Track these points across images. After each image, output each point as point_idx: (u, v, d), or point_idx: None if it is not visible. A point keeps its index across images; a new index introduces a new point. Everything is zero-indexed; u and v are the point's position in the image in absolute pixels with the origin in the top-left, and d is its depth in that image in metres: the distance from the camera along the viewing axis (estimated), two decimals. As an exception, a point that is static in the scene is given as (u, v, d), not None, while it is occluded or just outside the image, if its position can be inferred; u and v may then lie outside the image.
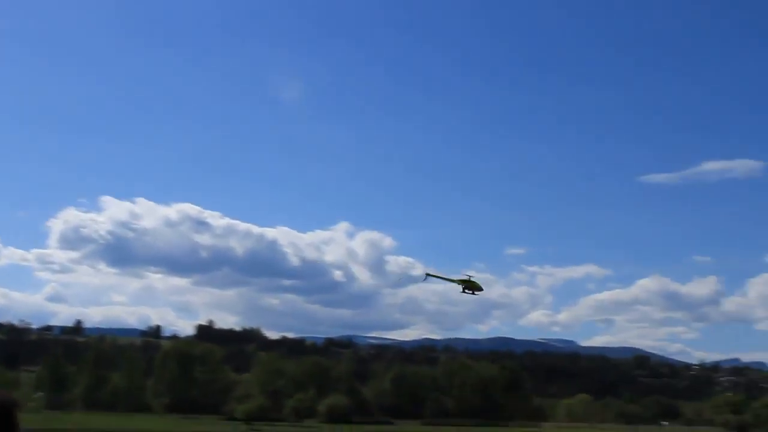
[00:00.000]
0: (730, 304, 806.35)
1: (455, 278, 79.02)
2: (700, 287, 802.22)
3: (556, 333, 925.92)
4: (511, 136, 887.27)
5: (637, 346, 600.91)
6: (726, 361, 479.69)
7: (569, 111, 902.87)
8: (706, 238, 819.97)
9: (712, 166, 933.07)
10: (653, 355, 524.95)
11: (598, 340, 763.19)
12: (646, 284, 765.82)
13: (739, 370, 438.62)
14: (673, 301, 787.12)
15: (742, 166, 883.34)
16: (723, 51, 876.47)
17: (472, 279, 78.42)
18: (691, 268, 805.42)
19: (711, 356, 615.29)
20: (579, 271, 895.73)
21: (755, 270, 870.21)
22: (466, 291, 78.30)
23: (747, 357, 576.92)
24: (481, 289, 78.81)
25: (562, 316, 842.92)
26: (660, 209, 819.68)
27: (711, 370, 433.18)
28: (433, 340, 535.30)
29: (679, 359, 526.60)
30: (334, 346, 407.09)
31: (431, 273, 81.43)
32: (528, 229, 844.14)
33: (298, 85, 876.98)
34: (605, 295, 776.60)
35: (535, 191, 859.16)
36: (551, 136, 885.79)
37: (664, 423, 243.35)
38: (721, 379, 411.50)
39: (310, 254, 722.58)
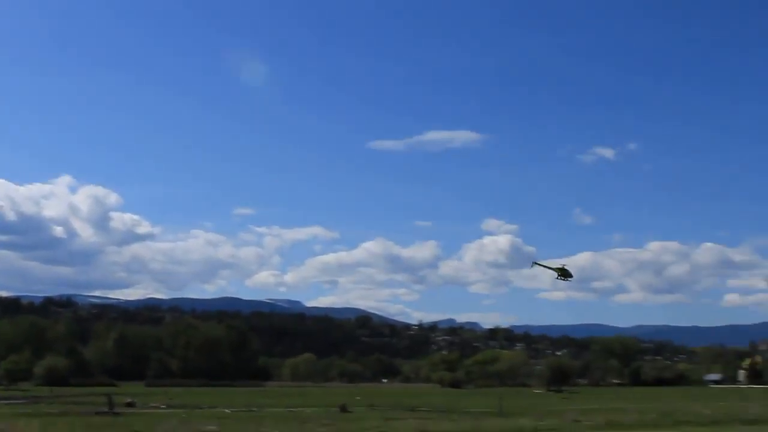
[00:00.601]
0: (447, 267, 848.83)
1: (554, 266, 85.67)
2: (421, 251, 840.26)
3: (282, 293, 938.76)
4: (238, 99, 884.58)
5: (360, 307, 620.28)
6: (442, 321, 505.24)
7: (306, 75, 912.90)
8: (428, 204, 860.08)
9: (434, 135, 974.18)
10: (375, 315, 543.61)
11: (324, 301, 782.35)
12: (371, 247, 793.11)
13: (453, 330, 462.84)
14: (395, 263, 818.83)
15: (462, 137, 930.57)
16: (448, 31, 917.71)
17: (566, 267, 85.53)
18: (412, 232, 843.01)
19: (429, 317, 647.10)
20: (306, 232, 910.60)
21: (471, 236, 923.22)
22: (560, 278, 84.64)
23: (461, 318, 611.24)
24: (571, 276, 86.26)
25: (289, 277, 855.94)
26: (386, 175, 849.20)
27: (428, 330, 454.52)
28: (158, 299, 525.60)
29: (399, 320, 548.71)
30: (53, 306, 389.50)
31: (538, 262, 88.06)
32: (257, 190, 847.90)
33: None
34: (331, 257, 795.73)
35: (258, 153, 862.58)
36: (289, 99, 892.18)
37: (384, 380, 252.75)
38: (437, 338, 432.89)
39: (28, 208, 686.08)
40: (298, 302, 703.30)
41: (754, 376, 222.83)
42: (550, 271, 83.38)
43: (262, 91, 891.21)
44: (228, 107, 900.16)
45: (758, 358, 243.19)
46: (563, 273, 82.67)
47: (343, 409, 78.27)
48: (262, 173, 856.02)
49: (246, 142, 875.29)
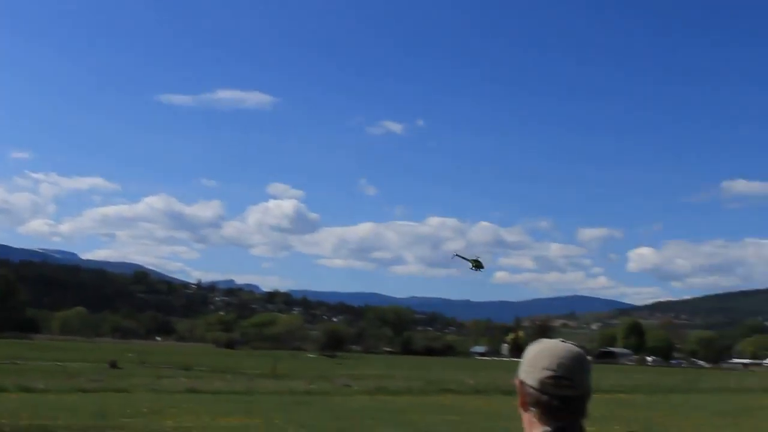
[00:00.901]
0: (230, 228, 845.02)
1: (470, 258, 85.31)
2: (204, 209, 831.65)
3: (56, 243, 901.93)
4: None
5: (137, 262, 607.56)
6: (222, 281, 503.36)
7: (99, 18, 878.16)
8: (215, 163, 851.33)
9: (226, 94, 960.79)
10: (153, 272, 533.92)
11: (100, 254, 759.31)
12: (153, 202, 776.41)
13: (232, 291, 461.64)
14: (177, 220, 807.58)
15: (254, 98, 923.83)
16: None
17: (479, 259, 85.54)
18: (197, 190, 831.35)
19: (209, 276, 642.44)
20: (86, 182, 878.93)
21: (256, 198, 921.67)
22: (473, 269, 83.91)
23: (241, 279, 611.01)
24: (483, 267, 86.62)
25: (65, 227, 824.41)
26: (175, 130, 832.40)
27: (207, 289, 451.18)
28: None
29: (178, 278, 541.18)
30: None
31: (458, 254, 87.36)
32: (36, 135, 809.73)
33: None
34: (111, 209, 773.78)
35: (46, 98, 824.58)
36: (78, 42, 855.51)
37: (158, 338, 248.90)
38: (215, 298, 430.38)
39: None
40: (73, 254, 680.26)
41: (516, 349, 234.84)
42: (466, 262, 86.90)
43: (53, 33, 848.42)
44: (18, 44, 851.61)
45: (521, 333, 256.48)
46: (477, 264, 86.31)
47: (113, 365, 76.74)
48: (43, 116, 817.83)
49: (27, 82, 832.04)
